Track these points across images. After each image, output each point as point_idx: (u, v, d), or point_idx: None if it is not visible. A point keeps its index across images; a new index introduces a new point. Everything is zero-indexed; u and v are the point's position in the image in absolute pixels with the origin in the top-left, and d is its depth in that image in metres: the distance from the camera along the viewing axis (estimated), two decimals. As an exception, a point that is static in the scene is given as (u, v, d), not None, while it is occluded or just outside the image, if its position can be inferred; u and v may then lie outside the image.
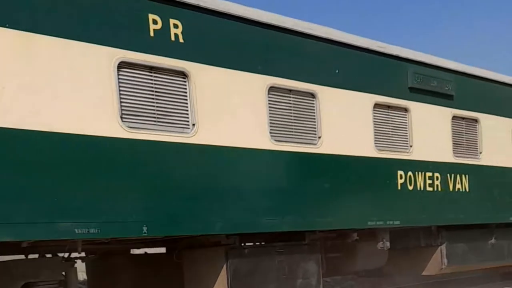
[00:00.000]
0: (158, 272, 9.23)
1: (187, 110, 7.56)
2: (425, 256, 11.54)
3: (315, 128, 8.93)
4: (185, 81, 7.55)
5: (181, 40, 7.40)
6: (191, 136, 7.53)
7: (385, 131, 9.99)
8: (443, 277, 13.22)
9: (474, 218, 11.66)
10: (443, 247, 11.43)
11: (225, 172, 7.86)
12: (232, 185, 7.93)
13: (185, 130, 7.54)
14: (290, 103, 8.64)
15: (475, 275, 14.58)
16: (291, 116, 8.67)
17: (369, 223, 9.64)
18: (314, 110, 8.91)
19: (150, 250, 10.13)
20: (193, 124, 7.54)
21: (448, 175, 11.03)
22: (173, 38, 7.34)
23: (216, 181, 7.80)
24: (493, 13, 44.56)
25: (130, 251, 10.09)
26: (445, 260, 11.45)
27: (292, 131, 8.68)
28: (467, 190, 11.42)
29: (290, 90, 8.61)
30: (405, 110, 10.27)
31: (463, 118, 11.43)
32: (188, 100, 7.56)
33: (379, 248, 10.18)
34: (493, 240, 12.45)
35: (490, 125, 11.94)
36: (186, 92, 7.55)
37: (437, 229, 11.35)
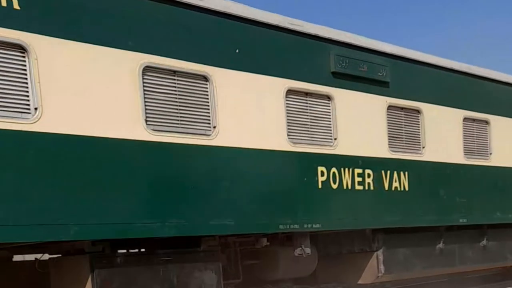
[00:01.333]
0: (26, 281, 7.86)
1: None
2: (360, 263, 10.15)
3: (209, 116, 7.55)
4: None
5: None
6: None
7: (302, 121, 8.60)
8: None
9: (416, 220, 10.27)
10: (380, 252, 10.03)
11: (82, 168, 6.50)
12: (94, 184, 6.56)
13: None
14: (175, 87, 7.27)
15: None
16: (177, 102, 7.30)
17: (281, 226, 8.25)
18: (207, 95, 7.54)
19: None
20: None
21: (383, 172, 9.62)
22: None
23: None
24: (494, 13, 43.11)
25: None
26: (382, 267, 10.05)
27: (179, 121, 7.29)
28: (406, 189, 10.03)
29: (175, 72, 7.26)
30: (328, 98, 8.88)
31: (402, 108, 10.02)
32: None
33: (296, 255, 8.78)
34: (441, 245, 11.07)
35: (435, 116, 10.54)
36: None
37: (372, 233, 9.97)
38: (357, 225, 9.35)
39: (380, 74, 9.47)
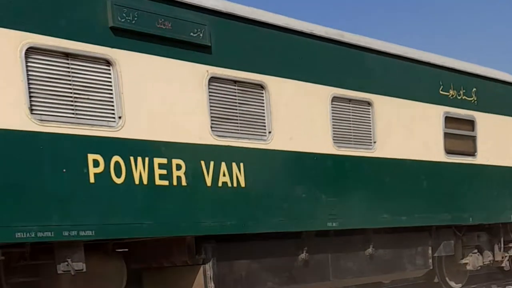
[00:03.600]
0: None
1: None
2: (186, 280, 7.73)
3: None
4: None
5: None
6: None
7: (67, 94, 6.19)
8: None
9: (259, 225, 7.84)
10: (208, 266, 7.60)
11: None
12: None
13: None
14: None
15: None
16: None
17: (19, 235, 5.83)
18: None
19: None
20: None
21: (203, 163, 7.22)
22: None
23: None
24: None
25: None
26: (211, 285, 7.60)
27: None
28: (242, 185, 7.60)
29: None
30: (108, 63, 6.43)
31: (235, 82, 7.61)
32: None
33: (60, 272, 6.33)
34: (304, 255, 8.63)
35: (288, 94, 8.13)
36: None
37: (197, 242, 7.54)
38: (160, 231, 6.92)
39: (194, 35, 7.04)
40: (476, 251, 11.74)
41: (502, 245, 12.15)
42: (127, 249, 7.76)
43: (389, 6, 38.43)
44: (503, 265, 12.36)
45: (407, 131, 9.75)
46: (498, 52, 37.80)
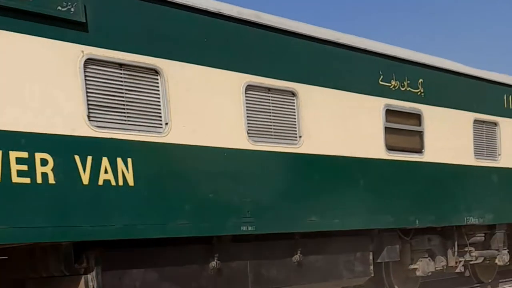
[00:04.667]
0: None
1: None
2: (67, 292, 6.65)
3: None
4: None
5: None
6: None
7: None
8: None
9: (155, 229, 6.77)
10: (92, 276, 6.50)
11: None
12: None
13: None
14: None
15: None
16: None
17: None
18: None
19: None
20: None
21: (77, 158, 6.12)
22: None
23: None
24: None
25: None
26: (96, 298, 6.53)
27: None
28: (130, 184, 6.51)
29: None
30: None
31: (121, 65, 6.52)
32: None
33: None
34: (215, 262, 7.56)
35: (191, 81, 7.04)
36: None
37: (75, 249, 6.45)
38: (18, 237, 5.82)
39: (63, 10, 5.96)
40: (427, 255, 10.69)
41: (456, 249, 11.09)
42: (6, 257, 6.71)
43: (388, 7, 37.63)
44: (457, 270, 11.29)
45: (341, 125, 8.70)
46: (498, 53, 36.92)
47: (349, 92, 8.77)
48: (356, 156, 8.89)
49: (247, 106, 7.56)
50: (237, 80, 7.43)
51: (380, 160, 9.25)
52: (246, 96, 7.55)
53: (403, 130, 9.74)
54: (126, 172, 6.40)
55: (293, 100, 8.08)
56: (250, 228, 7.58)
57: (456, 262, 11.13)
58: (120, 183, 6.37)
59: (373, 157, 9.15)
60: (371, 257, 9.55)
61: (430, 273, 10.74)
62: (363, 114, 8.99)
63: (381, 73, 9.24)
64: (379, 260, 9.81)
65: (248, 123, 7.57)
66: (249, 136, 7.59)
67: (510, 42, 37.80)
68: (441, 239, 10.96)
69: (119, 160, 6.35)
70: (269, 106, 7.85)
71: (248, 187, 7.58)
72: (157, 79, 6.71)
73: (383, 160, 9.28)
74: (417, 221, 9.87)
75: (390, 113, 9.43)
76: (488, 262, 12.04)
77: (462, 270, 11.33)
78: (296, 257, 8.43)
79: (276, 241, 8.23)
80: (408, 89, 9.68)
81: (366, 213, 9.04)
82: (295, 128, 8.14)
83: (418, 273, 10.58)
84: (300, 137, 8.16)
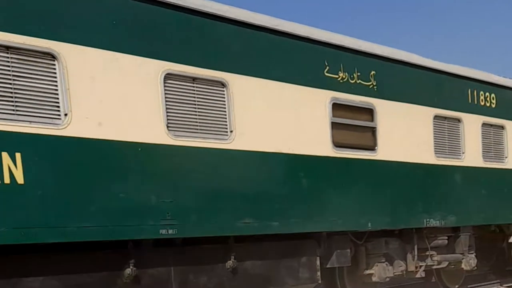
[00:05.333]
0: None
1: None
2: None
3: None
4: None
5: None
6: None
7: None
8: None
9: (50, 233, 5.98)
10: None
11: None
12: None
13: None
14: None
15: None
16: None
17: None
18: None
19: None
20: None
21: None
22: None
23: None
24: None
25: None
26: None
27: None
28: (20, 182, 5.73)
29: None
30: None
31: (8, 48, 5.71)
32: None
33: None
34: (131, 269, 6.76)
35: (91, 69, 6.22)
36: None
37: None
38: None
39: None
40: (384, 260, 9.91)
41: (416, 253, 10.30)
42: None
43: (387, 7, 37.07)
44: (418, 275, 10.50)
45: (280, 119, 7.92)
46: (498, 53, 36.25)
47: (289, 84, 7.99)
48: (297, 153, 8.11)
49: (166, 97, 6.78)
50: (153, 68, 6.65)
51: (326, 157, 8.46)
52: (165, 86, 6.76)
53: (354, 125, 8.97)
54: (14, 168, 5.60)
55: (223, 91, 7.31)
56: (171, 232, 6.80)
57: (416, 267, 10.35)
58: (7, 181, 5.58)
59: (317, 155, 8.36)
60: (318, 262, 8.76)
61: (387, 279, 9.96)
62: (306, 108, 8.21)
63: (326, 64, 8.46)
64: (328, 266, 9.03)
65: (168, 116, 6.79)
66: (169, 130, 6.80)
67: (510, 42, 37.10)
68: (400, 242, 10.19)
69: (4, 155, 5.55)
70: (194, 97, 7.07)
71: (169, 186, 6.79)
72: (54, 65, 5.92)
73: (329, 157, 8.50)
74: (369, 224, 9.09)
75: (338, 107, 8.66)
76: (453, 267, 11.26)
77: (423, 275, 10.54)
78: (230, 263, 7.65)
79: (205, 246, 7.44)
80: (358, 81, 8.91)
81: (310, 215, 8.27)
82: (225, 122, 7.36)
83: (374, 279, 9.81)
84: (231, 131, 7.38)
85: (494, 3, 35.98)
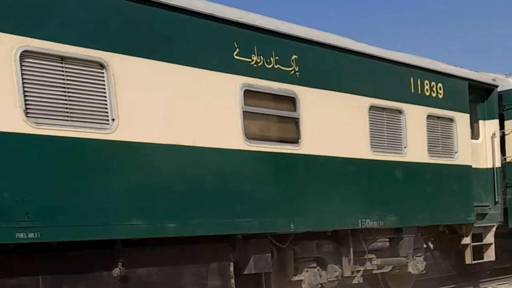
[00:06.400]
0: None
1: None
2: None
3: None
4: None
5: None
6: None
7: None
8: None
9: None
10: None
11: None
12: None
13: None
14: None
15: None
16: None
17: None
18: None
19: None
20: None
21: None
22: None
23: None
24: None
25: None
26: None
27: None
28: None
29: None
30: None
31: None
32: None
33: None
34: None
35: None
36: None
37: None
38: None
39: None
40: (315, 265, 8.86)
41: (352, 257, 9.25)
42: None
43: (387, 7, 36.27)
44: (355, 281, 9.44)
45: (178, 108, 6.87)
46: (498, 53, 35.38)
47: (187, 67, 6.94)
48: (201, 146, 7.05)
49: (24, 79, 5.72)
50: (6, 44, 5.58)
51: (236, 151, 7.41)
52: (22, 66, 5.70)
53: (272, 116, 7.93)
54: None
55: (102, 73, 6.25)
56: (32, 235, 5.73)
57: (353, 272, 9.29)
58: None
59: (225, 147, 7.31)
60: (231, 269, 7.69)
61: (319, 285, 8.91)
62: (210, 94, 7.16)
63: (236, 45, 7.41)
64: (246, 272, 7.97)
65: (26, 101, 5.73)
66: (27, 117, 5.73)
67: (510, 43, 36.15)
68: (334, 245, 9.14)
69: None
70: (63, 79, 6.01)
71: (29, 183, 5.72)
72: None
73: (240, 151, 7.44)
74: (292, 225, 8.03)
75: (252, 94, 7.62)
76: (398, 271, 10.21)
77: (361, 281, 9.48)
78: (117, 270, 6.58)
79: (88, 251, 6.39)
80: (277, 66, 7.87)
81: (216, 216, 7.21)
82: (106, 109, 6.30)
83: (304, 286, 8.76)
84: (113, 120, 6.31)
85: (494, 4, 35.17)
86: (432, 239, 11.65)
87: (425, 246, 12.27)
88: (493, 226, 11.47)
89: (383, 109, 9.33)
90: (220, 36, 7.27)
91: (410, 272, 10.35)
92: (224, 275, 7.62)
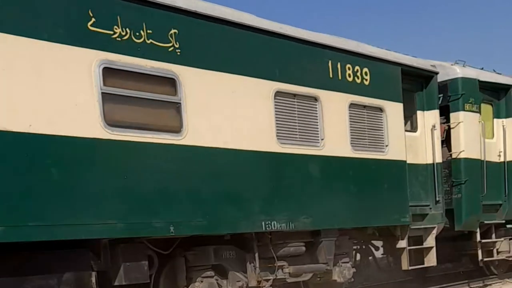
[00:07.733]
0: None
1: None
2: None
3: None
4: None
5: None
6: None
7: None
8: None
9: None
10: None
11: None
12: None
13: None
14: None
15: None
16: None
17: None
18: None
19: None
20: None
21: None
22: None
23: None
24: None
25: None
26: None
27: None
28: None
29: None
30: None
31: None
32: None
33: None
34: None
35: None
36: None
37: None
38: None
39: None
40: (212, 274, 7.55)
41: (258, 264, 7.92)
42: None
43: (387, 7, 35.21)
44: (264, 292, 8.10)
45: (11, 85, 5.55)
46: (498, 54, 34.17)
47: (24, 38, 5.61)
48: (42, 133, 5.73)
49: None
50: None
51: (92, 140, 6.08)
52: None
53: (144, 99, 6.60)
54: None
55: None
56: None
57: (259, 281, 7.95)
58: None
59: (78, 136, 5.99)
60: (94, 279, 6.35)
61: (218, 297, 7.58)
62: (56, 71, 5.84)
63: (91, 14, 6.09)
64: (116, 283, 6.63)
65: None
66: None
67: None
68: (237, 251, 7.82)
69: None
70: None
71: None
72: None
73: (97, 140, 6.12)
74: (172, 228, 6.70)
75: (114, 73, 6.31)
76: (319, 279, 8.89)
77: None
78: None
79: None
80: (149, 41, 6.55)
81: (67, 216, 5.89)
82: None
83: (198, 298, 7.42)
84: None
85: (494, 4, 33.96)
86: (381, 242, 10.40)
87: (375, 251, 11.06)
88: (434, 228, 10.13)
89: (294, 95, 8.02)
90: (69, 2, 5.95)
91: (336, 280, 9.03)
92: (84, 286, 6.27)
